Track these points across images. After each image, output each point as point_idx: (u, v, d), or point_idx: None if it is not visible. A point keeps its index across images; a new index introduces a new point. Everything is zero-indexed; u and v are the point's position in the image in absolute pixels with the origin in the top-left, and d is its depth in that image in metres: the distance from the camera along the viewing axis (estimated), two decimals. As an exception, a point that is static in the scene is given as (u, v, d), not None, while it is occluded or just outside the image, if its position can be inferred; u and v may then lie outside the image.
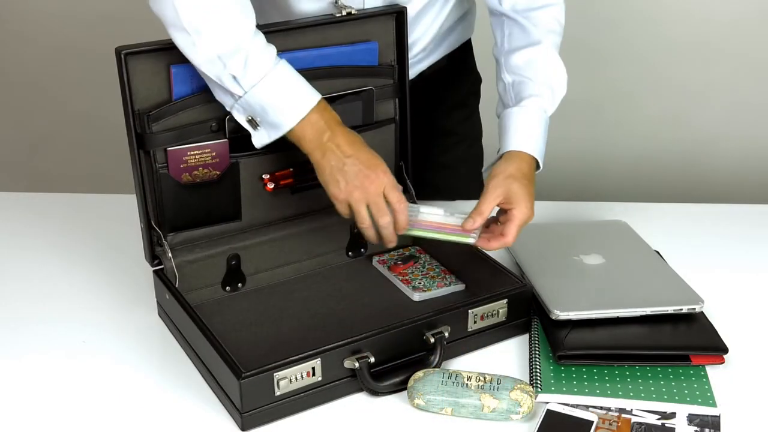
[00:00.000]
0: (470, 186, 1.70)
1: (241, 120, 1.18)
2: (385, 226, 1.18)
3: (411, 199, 1.44)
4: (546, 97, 1.33)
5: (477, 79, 1.68)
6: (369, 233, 1.19)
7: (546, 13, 1.37)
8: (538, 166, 1.31)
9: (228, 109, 1.19)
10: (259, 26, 1.25)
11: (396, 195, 1.18)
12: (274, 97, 1.15)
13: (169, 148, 1.21)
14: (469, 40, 1.63)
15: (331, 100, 1.31)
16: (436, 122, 1.62)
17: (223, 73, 1.14)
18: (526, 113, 1.31)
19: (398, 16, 1.33)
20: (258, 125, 1.18)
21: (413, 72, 1.47)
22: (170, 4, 1.12)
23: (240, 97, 1.16)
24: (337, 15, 1.28)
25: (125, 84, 1.16)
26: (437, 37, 1.50)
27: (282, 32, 1.25)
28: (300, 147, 1.18)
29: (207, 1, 1.13)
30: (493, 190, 1.23)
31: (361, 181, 1.16)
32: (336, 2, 1.30)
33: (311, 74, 1.28)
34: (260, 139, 1.19)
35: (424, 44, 1.48)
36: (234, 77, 1.14)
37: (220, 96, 1.19)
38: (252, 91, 1.15)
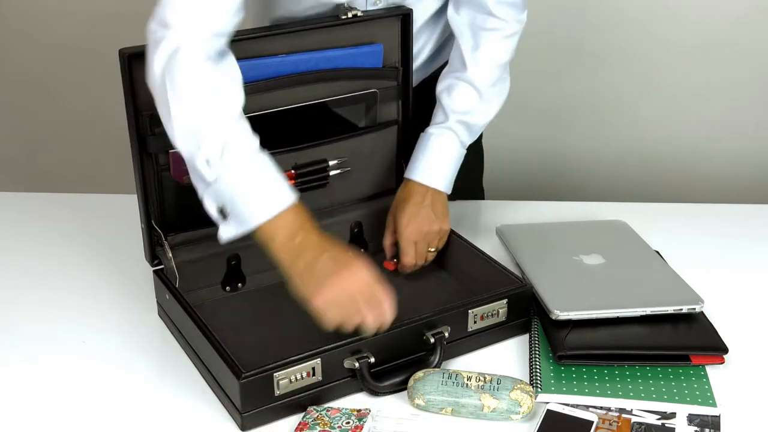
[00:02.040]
0: (470, 188, 1.70)
1: (212, 209, 1.10)
2: (369, 324, 1.09)
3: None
4: (451, 122, 1.36)
5: None
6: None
7: (492, 36, 1.36)
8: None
9: (199, 195, 1.10)
10: (264, 28, 1.25)
11: (380, 290, 1.09)
12: (245, 190, 1.07)
13: (171, 150, 1.21)
14: None
15: (335, 103, 1.32)
16: None
17: (196, 153, 1.07)
18: (426, 140, 1.36)
19: (404, 18, 1.33)
20: (227, 216, 1.10)
21: (416, 80, 1.47)
22: (158, 73, 1.06)
23: (210, 184, 1.08)
24: (343, 17, 1.28)
25: (129, 86, 1.16)
26: (439, 43, 1.50)
27: (287, 34, 1.25)
28: (269, 249, 1.10)
29: (195, 74, 1.07)
30: (387, 225, 1.37)
31: (335, 277, 1.07)
32: (342, 4, 1.29)
33: (316, 76, 1.28)
34: (227, 232, 1.10)
35: (428, 53, 1.48)
36: (207, 161, 1.06)
37: (193, 179, 1.11)
38: (222, 179, 1.07)
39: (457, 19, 1.38)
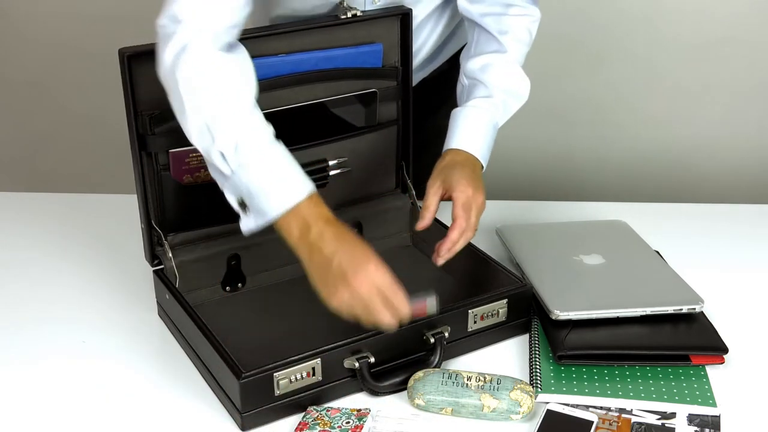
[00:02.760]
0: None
1: (233, 202, 1.10)
2: (386, 325, 1.06)
3: (411, 200, 1.44)
4: (496, 98, 1.32)
5: None
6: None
7: (519, 21, 1.36)
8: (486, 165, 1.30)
9: (221, 188, 1.11)
10: (264, 27, 1.25)
11: (394, 293, 1.06)
12: (262, 182, 1.07)
13: (171, 150, 1.21)
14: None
15: (334, 103, 1.32)
16: (434, 125, 1.61)
17: (211, 148, 1.07)
18: (470, 113, 1.31)
19: (403, 17, 1.33)
20: (247, 209, 1.09)
21: (416, 79, 1.47)
22: (168, 68, 1.07)
23: (228, 177, 1.08)
24: (342, 16, 1.28)
25: (128, 86, 1.16)
26: (439, 42, 1.50)
27: (287, 34, 1.25)
28: (287, 243, 1.09)
29: (206, 66, 1.07)
30: (432, 183, 1.23)
31: (349, 279, 1.04)
32: (341, 3, 1.29)
33: (316, 76, 1.28)
34: (247, 224, 1.10)
35: (428, 51, 1.48)
36: (222, 154, 1.07)
37: (213, 173, 1.12)
38: (239, 171, 1.07)
39: (472, 8, 1.37)
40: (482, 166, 1.29)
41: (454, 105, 1.62)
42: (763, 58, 2.37)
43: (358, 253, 1.06)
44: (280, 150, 1.10)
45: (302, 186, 1.09)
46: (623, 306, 1.21)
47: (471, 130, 1.29)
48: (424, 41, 1.46)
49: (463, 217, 1.19)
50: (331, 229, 1.07)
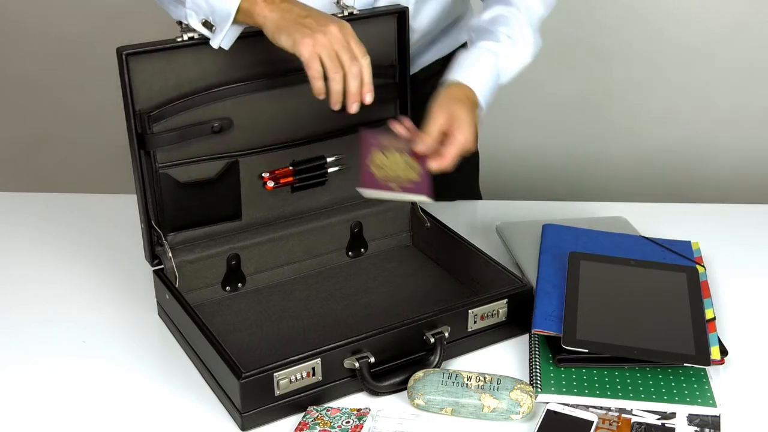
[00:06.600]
0: (467, 189, 1.70)
1: (197, 25, 1.16)
2: (355, 75, 1.13)
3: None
4: (503, 44, 1.32)
5: None
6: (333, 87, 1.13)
7: None
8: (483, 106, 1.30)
9: (184, 19, 1.17)
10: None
11: (361, 46, 1.14)
12: None
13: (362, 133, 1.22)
14: (465, 45, 1.63)
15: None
16: None
17: None
18: (477, 52, 1.31)
19: (400, 16, 1.33)
20: (213, 25, 1.16)
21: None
22: None
23: (186, 1, 1.15)
24: (339, 15, 1.28)
25: (126, 84, 1.16)
26: (433, 32, 1.49)
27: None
28: (255, 22, 1.14)
29: None
30: (437, 111, 1.22)
31: (326, 26, 1.11)
32: (338, 2, 1.29)
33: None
34: (217, 38, 1.16)
35: (420, 35, 1.47)
36: None
37: (172, 11, 1.22)
38: None
39: None
40: (481, 108, 1.29)
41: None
42: (764, 58, 2.37)
43: (325, 15, 1.14)
44: None
45: None
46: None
47: (476, 67, 1.29)
48: (420, 23, 1.46)
49: (451, 157, 1.20)
50: None
